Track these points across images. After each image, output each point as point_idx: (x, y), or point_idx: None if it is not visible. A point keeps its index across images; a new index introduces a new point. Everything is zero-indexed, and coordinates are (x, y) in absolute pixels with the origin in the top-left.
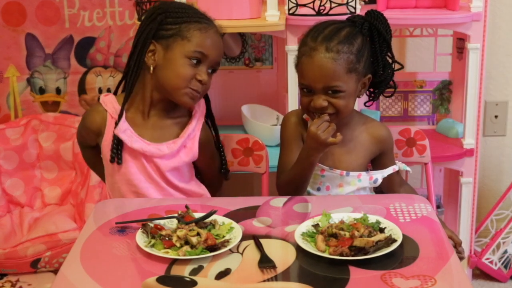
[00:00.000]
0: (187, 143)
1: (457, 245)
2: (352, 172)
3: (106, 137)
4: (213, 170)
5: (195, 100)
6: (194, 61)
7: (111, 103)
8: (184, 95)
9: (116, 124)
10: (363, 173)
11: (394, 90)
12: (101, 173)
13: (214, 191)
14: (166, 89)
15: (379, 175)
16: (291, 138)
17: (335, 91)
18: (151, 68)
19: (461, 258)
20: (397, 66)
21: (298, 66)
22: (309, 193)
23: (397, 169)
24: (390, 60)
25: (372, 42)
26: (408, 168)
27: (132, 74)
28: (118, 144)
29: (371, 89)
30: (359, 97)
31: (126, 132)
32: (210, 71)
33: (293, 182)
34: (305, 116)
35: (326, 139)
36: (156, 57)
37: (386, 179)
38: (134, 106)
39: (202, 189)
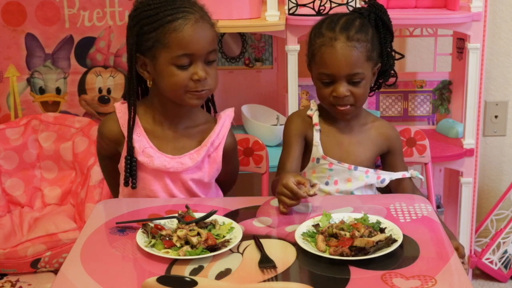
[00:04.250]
0: (211, 153)
1: (460, 257)
2: (361, 167)
3: (125, 147)
4: (230, 177)
5: (202, 98)
6: (183, 65)
7: (126, 114)
8: (187, 99)
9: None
10: (371, 170)
11: (396, 78)
12: (114, 186)
13: (226, 192)
14: (169, 98)
15: (387, 176)
16: (291, 137)
17: (357, 78)
18: (148, 81)
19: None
20: (398, 56)
21: (317, 56)
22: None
23: (408, 175)
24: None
25: (378, 32)
26: (421, 176)
27: (132, 91)
28: (131, 165)
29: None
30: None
31: (145, 152)
32: (207, 62)
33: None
34: (308, 112)
35: (279, 194)
36: (149, 69)
37: (397, 185)
38: (152, 117)
39: (219, 194)
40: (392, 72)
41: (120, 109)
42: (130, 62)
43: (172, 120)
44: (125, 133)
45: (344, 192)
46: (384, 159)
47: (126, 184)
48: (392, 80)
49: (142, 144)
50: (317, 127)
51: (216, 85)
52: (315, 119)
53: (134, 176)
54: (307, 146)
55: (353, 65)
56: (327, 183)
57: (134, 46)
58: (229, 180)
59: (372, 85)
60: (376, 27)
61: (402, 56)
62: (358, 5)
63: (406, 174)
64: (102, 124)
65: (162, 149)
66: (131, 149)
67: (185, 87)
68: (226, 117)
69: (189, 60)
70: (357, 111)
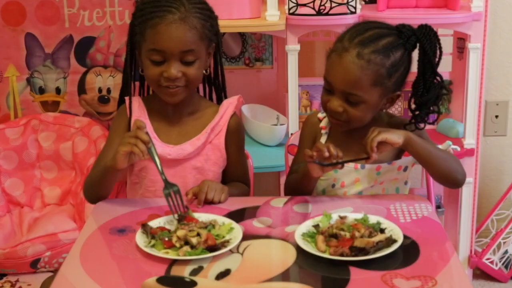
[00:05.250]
0: (213, 139)
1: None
2: (369, 164)
3: None
4: (241, 169)
5: (177, 95)
6: (155, 60)
7: (135, 105)
8: (162, 94)
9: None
10: (383, 164)
11: (437, 115)
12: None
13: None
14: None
15: (408, 163)
16: (303, 140)
17: (354, 99)
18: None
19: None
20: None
21: (327, 59)
22: (324, 192)
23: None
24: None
25: (412, 59)
26: (455, 146)
27: (127, 81)
28: None
29: (417, 111)
30: (381, 110)
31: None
32: (185, 62)
33: (294, 189)
34: (319, 114)
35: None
36: (139, 60)
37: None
38: (158, 109)
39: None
40: (434, 108)
41: (128, 101)
42: (126, 53)
43: (174, 110)
44: (132, 123)
45: (354, 193)
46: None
47: None
48: (432, 117)
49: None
50: (324, 131)
51: (194, 84)
52: (324, 122)
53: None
54: None
55: (351, 84)
56: (333, 186)
57: (130, 36)
58: (240, 175)
59: (411, 117)
60: (414, 50)
61: (447, 92)
62: (358, 5)
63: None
64: (114, 119)
65: (166, 139)
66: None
67: (157, 81)
68: (228, 104)
69: (161, 57)
70: (351, 128)
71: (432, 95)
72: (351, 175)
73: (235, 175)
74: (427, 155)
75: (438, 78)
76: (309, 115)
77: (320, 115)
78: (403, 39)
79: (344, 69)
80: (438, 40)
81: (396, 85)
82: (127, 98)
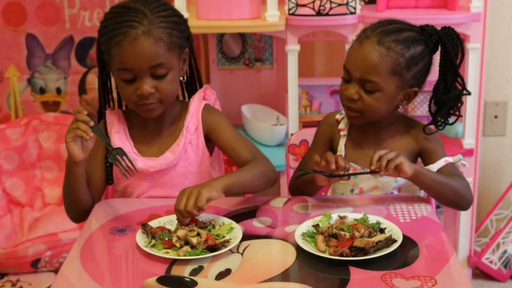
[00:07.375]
0: (191, 139)
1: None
2: None
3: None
4: (242, 146)
5: (154, 111)
6: (126, 79)
7: (114, 120)
8: (141, 111)
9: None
10: None
11: (456, 118)
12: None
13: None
14: None
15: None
16: (318, 138)
17: (371, 87)
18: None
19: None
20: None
21: (349, 49)
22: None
23: (450, 160)
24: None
25: (441, 59)
26: (464, 162)
27: (101, 97)
28: (110, 166)
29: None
30: (397, 107)
31: (129, 155)
32: (157, 76)
33: (298, 190)
34: (337, 116)
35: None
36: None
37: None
38: (136, 125)
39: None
40: (455, 111)
41: (109, 115)
42: (98, 69)
43: (154, 123)
44: (111, 139)
45: None
46: (423, 160)
47: (107, 182)
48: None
49: (126, 149)
50: (343, 133)
51: (170, 98)
52: (342, 124)
53: (110, 175)
54: (333, 151)
55: (369, 69)
56: (352, 191)
57: (98, 53)
58: (243, 150)
59: (432, 120)
60: (436, 51)
61: (469, 93)
62: (358, 6)
63: (449, 160)
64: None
65: (148, 153)
66: (111, 153)
67: (133, 99)
68: (196, 99)
69: (131, 74)
70: (366, 121)
71: (453, 95)
72: (370, 182)
73: (242, 156)
74: (434, 188)
75: (459, 79)
76: (327, 115)
77: (339, 116)
78: (425, 36)
79: (363, 55)
80: (461, 42)
81: (414, 79)
82: (108, 113)
